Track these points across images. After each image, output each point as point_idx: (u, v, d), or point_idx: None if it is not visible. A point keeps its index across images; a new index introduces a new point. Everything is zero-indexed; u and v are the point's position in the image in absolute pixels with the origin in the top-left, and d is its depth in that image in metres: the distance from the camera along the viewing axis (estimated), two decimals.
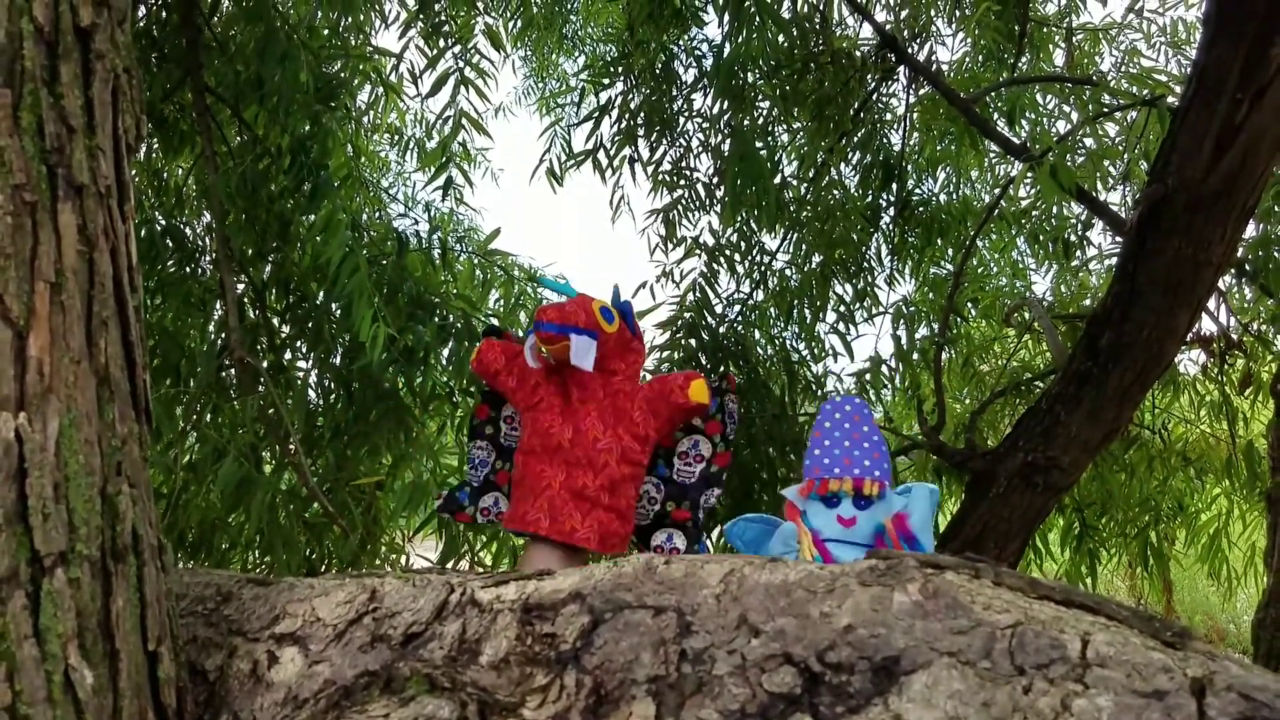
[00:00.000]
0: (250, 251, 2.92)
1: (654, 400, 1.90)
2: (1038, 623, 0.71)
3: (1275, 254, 3.07)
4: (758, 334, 3.72)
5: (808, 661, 0.74)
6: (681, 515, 1.97)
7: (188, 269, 2.97)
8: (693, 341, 3.44)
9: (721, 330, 3.51)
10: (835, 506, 1.69)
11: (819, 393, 3.60)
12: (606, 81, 3.64)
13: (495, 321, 3.08)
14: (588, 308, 1.85)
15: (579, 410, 1.87)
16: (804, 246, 3.70)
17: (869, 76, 3.57)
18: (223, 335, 2.84)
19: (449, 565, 2.64)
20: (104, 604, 0.89)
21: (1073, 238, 3.93)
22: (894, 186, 3.74)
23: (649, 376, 3.38)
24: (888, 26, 3.52)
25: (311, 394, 3.04)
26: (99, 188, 0.99)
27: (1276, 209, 3.07)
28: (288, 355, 3.11)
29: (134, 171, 3.12)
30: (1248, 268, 3.23)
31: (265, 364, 2.84)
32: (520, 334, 2.12)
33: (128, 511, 0.94)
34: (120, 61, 1.06)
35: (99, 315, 0.96)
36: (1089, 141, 3.45)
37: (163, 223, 2.96)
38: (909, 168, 3.88)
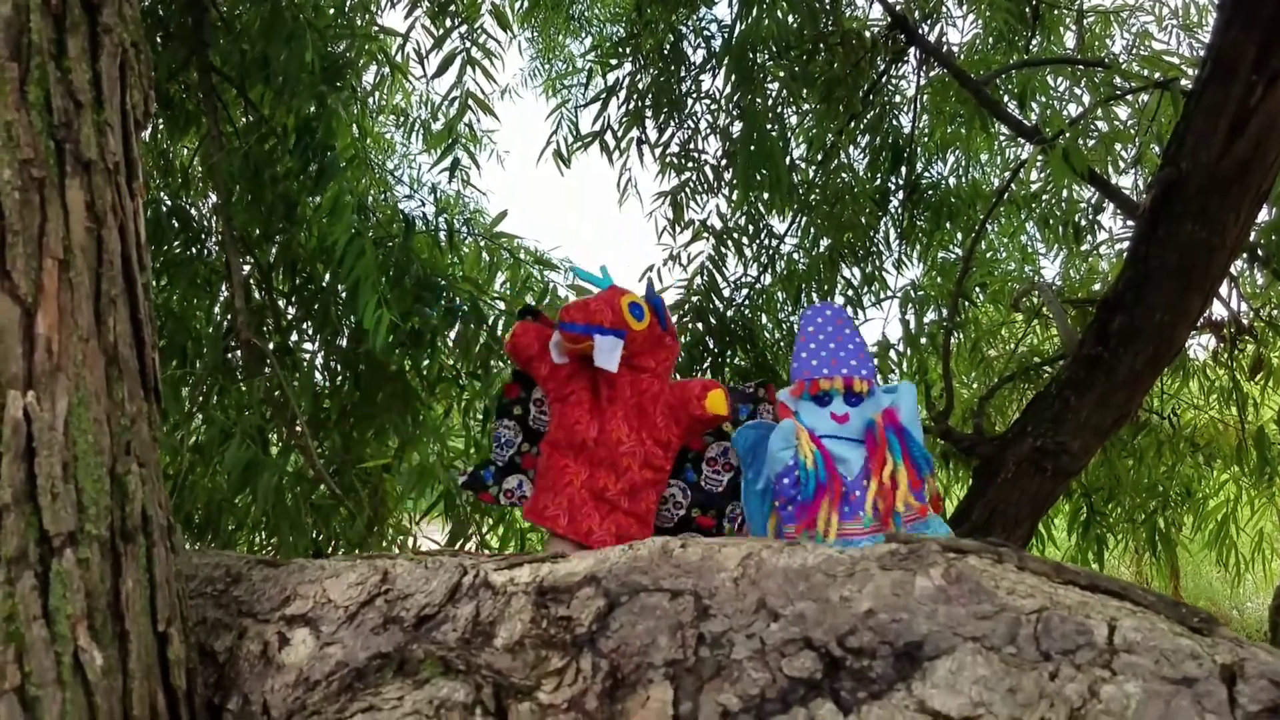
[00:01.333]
0: (256, 233, 2.91)
1: (674, 407, 1.84)
2: (1063, 608, 0.70)
3: None
4: (765, 318, 3.71)
5: (828, 646, 0.73)
6: (706, 522, 1.92)
7: (194, 250, 2.96)
8: (700, 325, 3.43)
9: (729, 314, 3.50)
10: (827, 405, 1.74)
11: None
12: (614, 62, 3.61)
13: (501, 305, 3.06)
14: (615, 304, 1.79)
15: (606, 409, 1.83)
16: (812, 230, 3.68)
17: (879, 58, 3.54)
18: (229, 317, 2.83)
19: (457, 548, 2.63)
20: (113, 585, 0.89)
21: (1083, 222, 3.90)
22: (903, 169, 3.71)
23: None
24: (898, 7, 3.49)
25: (318, 376, 3.03)
26: (107, 164, 0.97)
27: None
28: (294, 337, 3.10)
29: (142, 152, 3.09)
30: (1260, 252, 3.20)
31: (271, 346, 2.83)
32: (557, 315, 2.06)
33: (137, 491, 0.93)
34: (128, 36, 1.04)
35: (108, 293, 0.94)
36: (1101, 124, 3.42)
37: (169, 203, 2.95)
38: (918, 150, 3.85)
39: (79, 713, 0.82)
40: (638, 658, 0.78)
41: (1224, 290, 3.43)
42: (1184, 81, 2.71)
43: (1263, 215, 2.86)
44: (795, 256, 3.75)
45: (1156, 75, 3.01)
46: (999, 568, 0.75)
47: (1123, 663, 0.65)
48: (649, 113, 3.51)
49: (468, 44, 2.91)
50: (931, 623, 0.71)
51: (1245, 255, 3.31)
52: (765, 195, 3.35)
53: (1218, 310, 3.52)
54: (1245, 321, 3.47)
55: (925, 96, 3.78)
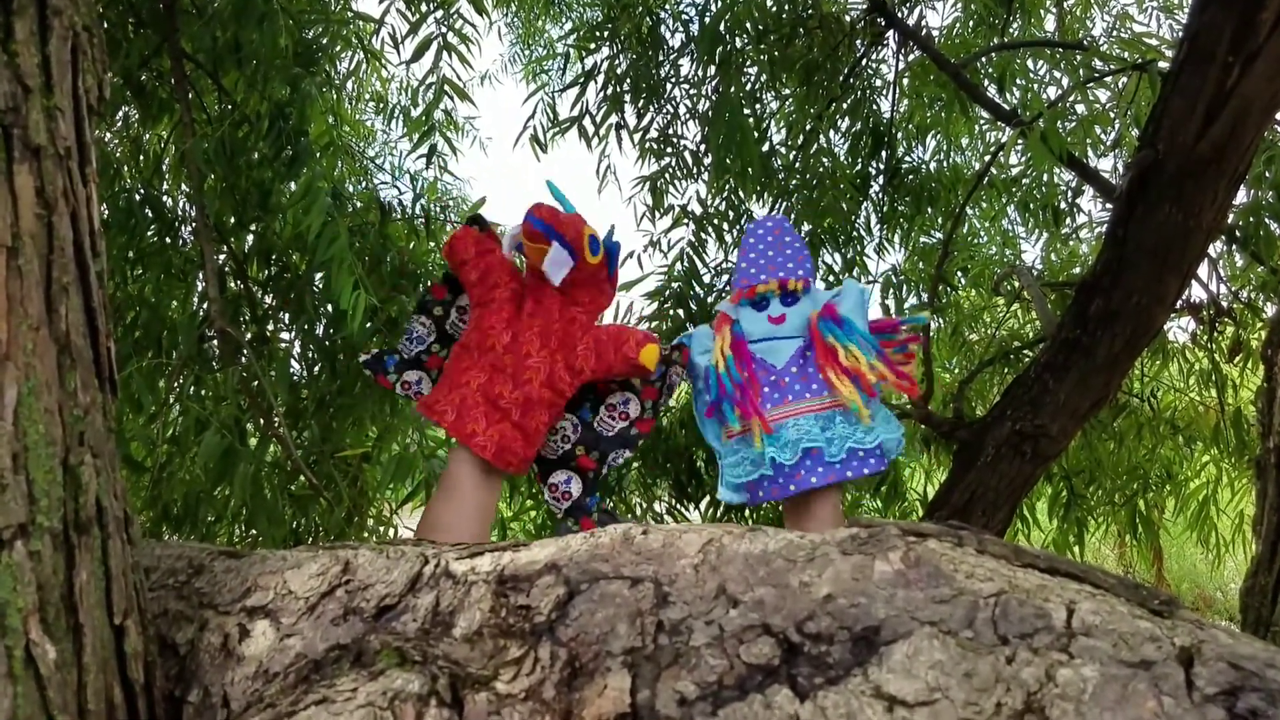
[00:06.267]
0: (231, 221, 2.88)
1: (604, 343, 1.88)
2: (1022, 591, 0.69)
3: (1265, 220, 3.05)
4: None
5: (786, 632, 0.72)
6: (587, 463, 1.96)
7: (168, 239, 2.93)
8: (680, 312, 3.41)
9: (710, 300, 3.49)
10: (764, 309, 1.81)
11: None
12: (592, 46, 3.58)
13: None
14: (579, 228, 1.82)
15: (525, 322, 1.86)
16: (792, 215, 3.66)
17: (858, 41, 3.53)
18: (204, 306, 2.81)
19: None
20: (67, 577, 0.87)
21: (1063, 205, 3.91)
22: (883, 154, 3.70)
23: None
24: None
25: (294, 365, 3.01)
26: (58, 149, 0.95)
27: (1267, 175, 3.05)
28: (270, 326, 3.07)
29: (115, 141, 3.05)
30: (1238, 235, 3.21)
31: (247, 335, 2.80)
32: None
33: (91, 482, 0.91)
34: (79, 19, 1.02)
35: (59, 281, 0.93)
36: (1080, 108, 3.42)
37: (142, 192, 2.91)
38: (898, 135, 3.84)
39: (32, 706, 0.81)
40: (596, 646, 0.77)
41: (1204, 272, 3.44)
42: (1162, 64, 2.70)
43: (1240, 197, 2.87)
44: None
45: (1135, 58, 3.01)
46: (958, 551, 0.75)
47: (1080, 646, 0.64)
48: (627, 98, 3.49)
49: (444, 29, 2.88)
50: (889, 607, 0.70)
51: (1224, 237, 3.32)
52: (738, 179, 3.34)
53: (1197, 293, 3.53)
54: (1224, 304, 3.47)
55: (905, 80, 3.77)
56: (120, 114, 3.20)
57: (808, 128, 3.63)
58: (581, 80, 3.47)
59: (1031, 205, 4.01)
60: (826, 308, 1.74)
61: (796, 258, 1.86)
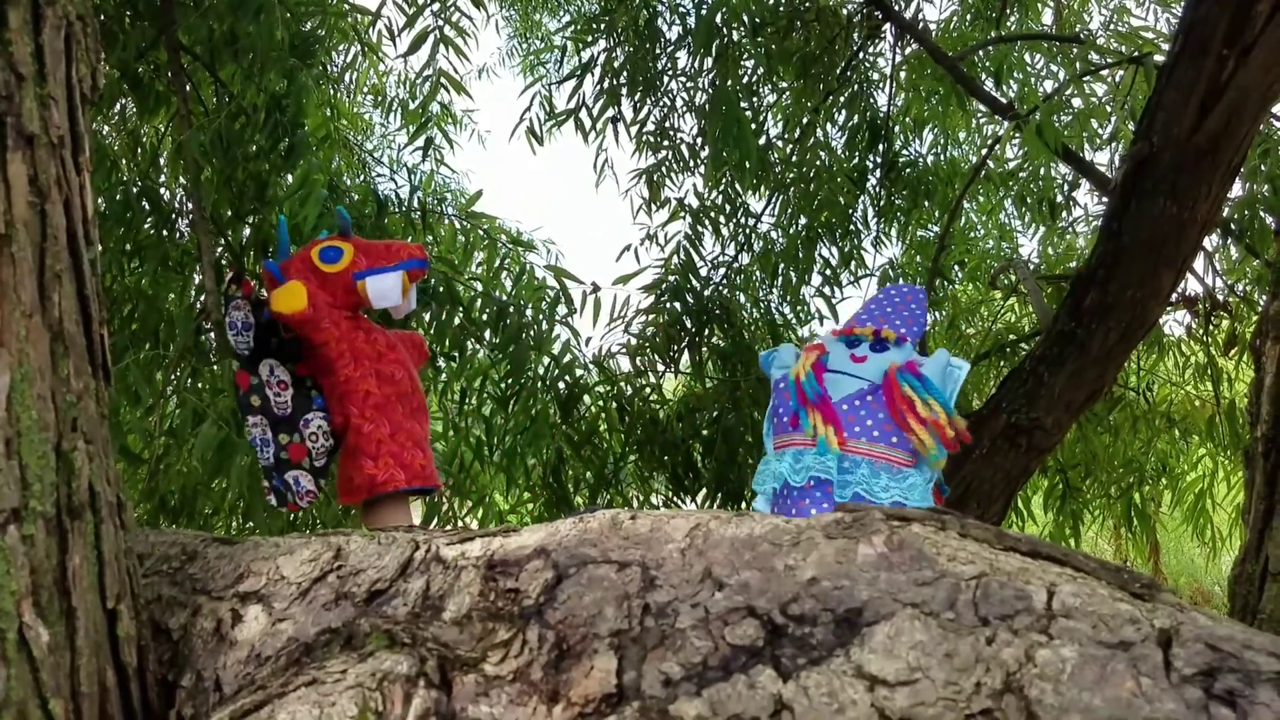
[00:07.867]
0: (228, 214, 2.88)
1: (411, 351, 1.92)
2: (1003, 574, 0.70)
3: (1260, 213, 3.05)
4: (742, 297, 3.70)
5: (771, 614, 0.73)
6: (298, 452, 1.81)
7: (164, 232, 2.93)
8: (677, 305, 3.42)
9: (706, 293, 3.49)
10: (854, 347, 1.82)
11: None
12: (589, 39, 3.58)
13: (479, 286, 3.04)
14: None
15: (394, 355, 1.84)
16: (789, 209, 3.67)
17: (855, 35, 3.53)
18: (201, 299, 2.81)
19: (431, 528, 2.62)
20: (60, 561, 0.88)
21: (1059, 199, 3.91)
22: (880, 147, 3.71)
23: (631, 340, 3.36)
24: None
25: None
26: (51, 138, 0.96)
27: (1262, 168, 3.05)
28: None
29: (113, 133, 3.04)
30: (1233, 228, 3.21)
31: None
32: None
33: (84, 467, 0.92)
34: (73, 9, 1.03)
35: (52, 268, 0.93)
36: (1076, 102, 3.42)
37: (139, 184, 2.92)
38: (895, 128, 3.85)
39: (24, 689, 0.82)
40: (584, 628, 0.78)
41: (1200, 265, 3.44)
42: (1158, 57, 2.71)
43: (1235, 190, 2.87)
44: (773, 235, 3.74)
45: (1132, 51, 3.01)
46: (941, 535, 0.75)
47: (1060, 627, 0.65)
48: (624, 91, 3.49)
49: (440, 22, 2.88)
50: (872, 589, 0.71)
51: (1219, 230, 3.32)
52: (736, 172, 3.34)
53: (1192, 286, 3.53)
54: (1220, 297, 3.48)
55: (902, 74, 3.77)
56: (117, 106, 3.20)
57: (805, 121, 3.63)
58: (578, 73, 3.47)
59: (1028, 199, 4.01)
60: (909, 363, 1.75)
61: (907, 320, 1.88)
